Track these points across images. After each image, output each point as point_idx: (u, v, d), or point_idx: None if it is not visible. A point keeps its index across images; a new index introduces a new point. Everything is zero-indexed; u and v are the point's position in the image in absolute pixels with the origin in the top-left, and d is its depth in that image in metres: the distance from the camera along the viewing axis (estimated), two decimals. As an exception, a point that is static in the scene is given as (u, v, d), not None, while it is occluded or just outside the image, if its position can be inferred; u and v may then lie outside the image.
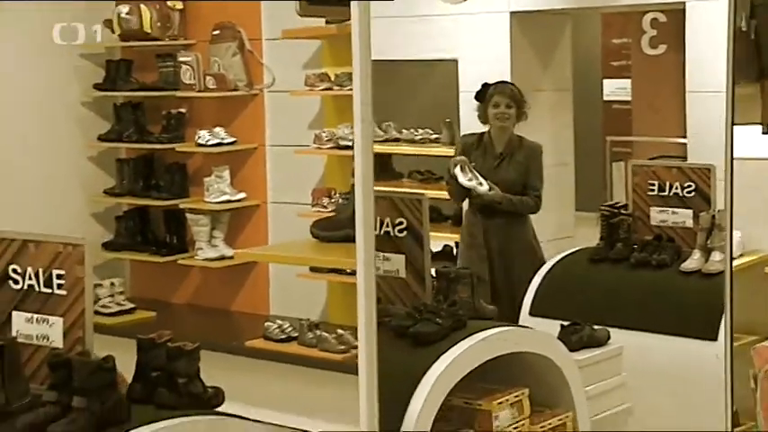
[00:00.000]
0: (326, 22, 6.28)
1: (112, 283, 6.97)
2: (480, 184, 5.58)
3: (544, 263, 5.76)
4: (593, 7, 7.12)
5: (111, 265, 7.51)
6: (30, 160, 7.22)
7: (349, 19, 2.35)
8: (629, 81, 10.46)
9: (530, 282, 5.61)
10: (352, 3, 2.31)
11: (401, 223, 4.35)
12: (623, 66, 10.79)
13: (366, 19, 2.24)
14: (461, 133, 6.52)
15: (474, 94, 5.93)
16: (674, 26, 8.45)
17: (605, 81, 11.27)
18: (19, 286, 3.42)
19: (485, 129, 5.87)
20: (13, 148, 7.14)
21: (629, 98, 10.49)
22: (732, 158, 2.71)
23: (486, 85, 5.84)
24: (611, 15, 10.32)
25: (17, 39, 7.12)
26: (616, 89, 11.09)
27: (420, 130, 6.91)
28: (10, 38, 7.07)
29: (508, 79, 6.29)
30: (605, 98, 11.27)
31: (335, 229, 5.64)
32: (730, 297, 2.39)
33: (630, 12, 9.54)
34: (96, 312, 6.50)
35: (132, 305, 6.99)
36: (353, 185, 2.65)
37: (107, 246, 7.51)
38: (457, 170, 5.59)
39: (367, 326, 2.22)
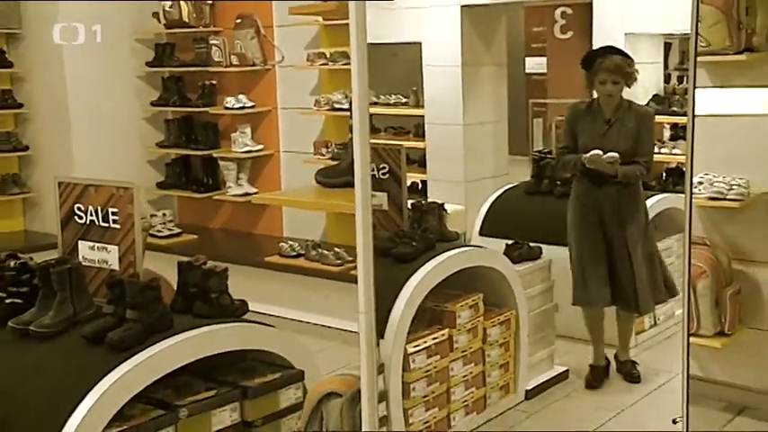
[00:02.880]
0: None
1: (164, 214, 6.83)
2: None
3: (649, 230, 4.54)
4: (520, 2, 6.78)
5: (163, 200, 7.37)
6: (101, 122, 7.00)
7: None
8: (545, 59, 10.48)
9: (638, 249, 4.39)
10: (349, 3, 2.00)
11: (384, 168, 4.18)
12: (541, 47, 10.80)
13: (362, 9, 1.96)
14: (424, 98, 6.28)
15: (581, 62, 4.43)
16: (579, 17, 8.37)
17: (527, 59, 11.30)
18: (83, 221, 3.28)
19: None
20: (90, 112, 6.96)
21: (545, 71, 10.54)
22: (694, 115, 2.39)
23: (592, 54, 4.43)
24: (532, 8, 10.24)
25: (90, 28, 6.74)
26: (535, 65, 11.10)
27: (393, 96, 6.71)
28: (85, 28, 6.70)
29: (458, 58, 6.07)
30: (527, 71, 11.32)
31: (336, 177, 5.47)
32: (689, 229, 2.12)
33: (546, 6, 9.49)
34: (151, 236, 6.40)
35: (179, 230, 6.81)
36: (351, 139, 2.45)
37: (159, 185, 7.36)
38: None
39: (365, 250, 2.00)
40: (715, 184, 4.07)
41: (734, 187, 4.02)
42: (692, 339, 4.07)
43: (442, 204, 4.35)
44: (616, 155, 4.19)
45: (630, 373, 4.57)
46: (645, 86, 6.06)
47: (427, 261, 3.82)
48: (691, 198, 2.08)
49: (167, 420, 2.86)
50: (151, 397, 2.88)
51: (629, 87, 4.42)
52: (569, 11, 9.85)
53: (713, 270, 4.00)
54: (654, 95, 6.00)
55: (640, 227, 4.42)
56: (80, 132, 6.90)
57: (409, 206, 4.21)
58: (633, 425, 4.08)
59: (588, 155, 4.22)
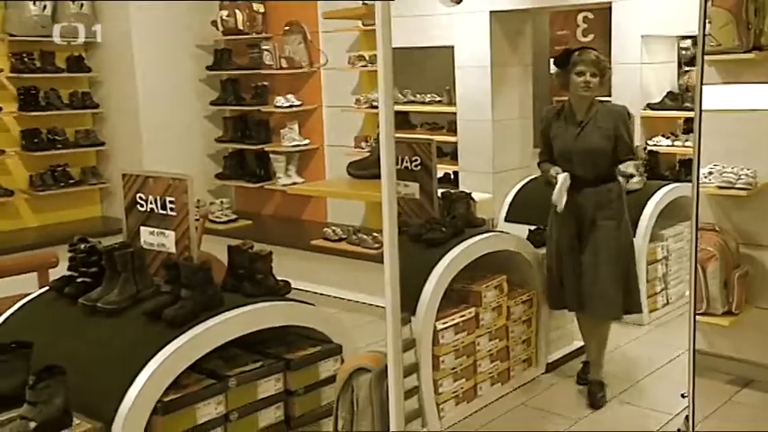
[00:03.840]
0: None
1: (222, 202, 6.83)
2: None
3: (631, 231, 4.00)
4: (544, 7, 6.52)
5: (221, 189, 7.38)
6: (167, 120, 7.01)
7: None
8: (569, 60, 10.30)
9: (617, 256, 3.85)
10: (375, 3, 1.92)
11: (416, 160, 4.10)
12: (564, 49, 10.61)
13: (387, 12, 1.88)
14: (456, 97, 6.19)
15: (555, 60, 3.94)
16: (600, 21, 8.19)
17: (552, 59, 11.10)
18: (144, 209, 3.26)
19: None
20: (157, 112, 6.96)
21: (568, 71, 10.35)
22: (701, 110, 2.28)
23: (568, 52, 3.82)
24: (557, 13, 10.04)
25: (159, 36, 6.94)
26: (559, 66, 10.94)
27: (428, 95, 6.67)
28: (155, 35, 6.89)
29: (487, 59, 5.99)
30: (551, 71, 11.13)
31: (364, 169, 5.42)
32: (696, 215, 2.02)
33: (569, 10, 9.30)
34: (211, 221, 6.43)
35: (235, 216, 6.80)
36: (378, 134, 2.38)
37: (218, 176, 7.36)
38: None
39: (390, 233, 1.94)
40: (724, 174, 3.93)
41: (742, 177, 3.89)
42: (701, 318, 3.98)
43: (470, 193, 4.27)
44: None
45: (595, 396, 3.88)
46: (660, 84, 5.93)
47: (455, 246, 3.76)
48: (698, 187, 1.98)
49: (218, 389, 2.84)
50: (203, 368, 2.87)
51: (604, 87, 3.94)
52: (591, 15, 9.70)
53: (722, 254, 3.88)
54: (668, 92, 5.87)
55: (619, 231, 3.84)
56: (149, 129, 6.92)
57: (440, 195, 4.13)
58: (646, 397, 3.98)
59: (554, 196, 3.70)
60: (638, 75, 5.75)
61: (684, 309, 4.99)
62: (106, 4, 6.88)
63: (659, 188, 5.06)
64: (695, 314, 2.30)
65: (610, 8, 5.87)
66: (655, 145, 5.72)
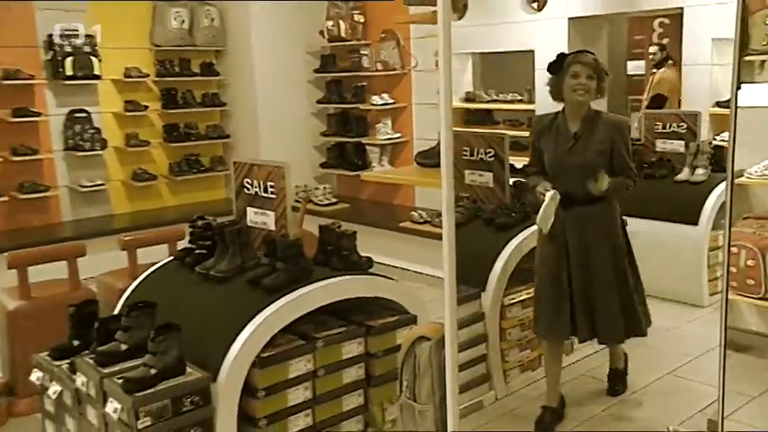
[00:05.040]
0: (405, 2, 5.28)
1: (324, 187, 6.85)
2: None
3: (625, 251, 3.21)
4: (622, 13, 6.33)
5: (324, 176, 7.42)
6: (280, 116, 7.11)
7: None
8: (642, 62, 9.83)
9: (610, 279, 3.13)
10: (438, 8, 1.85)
11: (491, 152, 3.99)
12: (640, 52, 10.13)
13: (448, 8, 1.81)
14: (535, 96, 6.00)
15: (548, 66, 3.13)
16: (674, 26, 7.76)
17: (628, 62, 10.64)
18: (250, 192, 3.28)
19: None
20: (272, 109, 7.08)
21: (642, 72, 9.89)
22: (737, 108, 2.11)
23: (562, 55, 3.07)
24: (634, 19, 9.58)
25: (275, 45, 7.06)
26: (635, 67, 10.43)
27: (510, 94, 6.51)
28: (272, 44, 7.02)
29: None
30: (628, 73, 10.67)
31: (429, 159, 5.35)
32: (730, 204, 1.88)
33: (645, 16, 8.85)
34: (315, 204, 6.50)
35: (336, 200, 6.81)
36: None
37: (322, 165, 7.41)
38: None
39: (448, 215, 1.92)
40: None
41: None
42: (759, 302, 3.72)
43: (540, 183, 4.14)
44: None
45: (613, 387, 3.51)
46: (728, 83, 5.52)
47: (523, 230, 3.64)
48: (732, 179, 1.82)
49: (307, 349, 2.87)
50: (295, 330, 2.90)
51: (600, 95, 3.08)
52: (666, 21, 9.25)
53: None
54: (736, 91, 5.46)
55: (614, 250, 3.12)
56: (265, 124, 7.04)
57: (511, 184, 4.00)
58: (701, 373, 3.76)
59: (538, 217, 3.02)
60: (708, 75, 5.40)
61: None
62: (232, 19, 7.06)
63: (723, 180, 4.75)
64: (727, 301, 2.12)
65: (682, 14, 5.54)
66: (722, 140, 5.37)
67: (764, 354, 3.67)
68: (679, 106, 5.69)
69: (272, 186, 3.11)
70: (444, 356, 1.93)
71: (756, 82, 3.88)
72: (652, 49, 7.22)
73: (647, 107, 6.31)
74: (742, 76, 4.12)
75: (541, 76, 5.96)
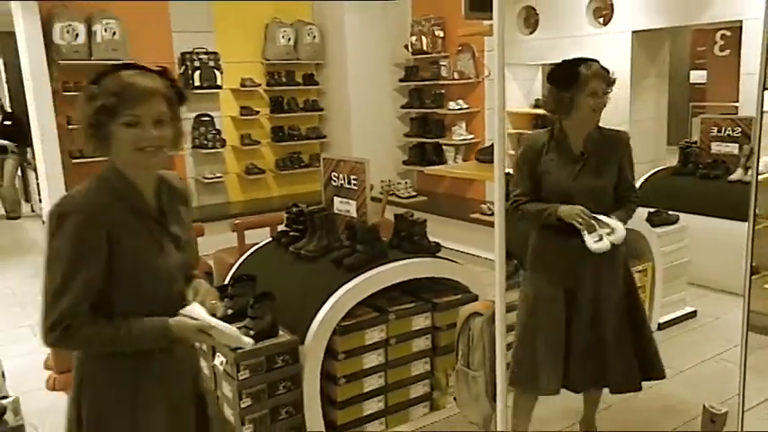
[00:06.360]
0: (465, 17, 5.02)
1: (406, 182, 6.84)
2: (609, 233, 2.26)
3: (635, 285, 2.55)
4: (684, 26, 5.82)
5: (406, 172, 7.37)
6: (370, 120, 7.16)
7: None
8: (705, 72, 9.28)
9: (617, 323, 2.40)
10: (493, 14, 1.82)
11: None
12: (702, 63, 9.56)
13: (502, 23, 1.77)
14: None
15: (555, 78, 2.35)
16: (735, 38, 7.29)
17: (691, 72, 10.05)
18: (336, 184, 3.31)
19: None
20: (363, 113, 7.13)
21: (704, 81, 9.33)
22: (762, 110, 1.97)
23: (571, 64, 2.30)
24: (696, 31, 9.08)
25: (366, 57, 7.10)
26: (698, 77, 9.85)
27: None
28: (363, 57, 7.07)
29: (628, 71, 5.47)
30: (691, 81, 10.08)
31: (487, 155, 5.24)
32: (755, 198, 1.78)
33: (708, 29, 8.35)
34: (398, 197, 6.50)
35: (416, 193, 6.78)
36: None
37: (404, 162, 7.38)
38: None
39: (499, 203, 1.96)
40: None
41: None
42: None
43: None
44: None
45: None
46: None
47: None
48: (756, 178, 1.70)
49: (381, 320, 2.89)
50: (371, 303, 2.92)
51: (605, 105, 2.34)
52: (728, 33, 8.68)
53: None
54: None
55: (625, 285, 2.42)
56: (357, 127, 7.08)
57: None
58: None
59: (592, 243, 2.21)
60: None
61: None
62: (330, 36, 7.14)
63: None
64: (749, 291, 1.98)
65: (741, 26, 5.18)
66: (776, 143, 5.00)
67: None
68: (736, 112, 5.35)
69: (354, 179, 3.13)
70: (494, 331, 1.91)
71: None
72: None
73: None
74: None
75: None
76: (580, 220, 2.21)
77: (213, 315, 1.48)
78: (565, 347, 2.30)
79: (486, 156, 5.38)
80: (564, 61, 2.31)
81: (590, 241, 2.20)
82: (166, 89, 1.47)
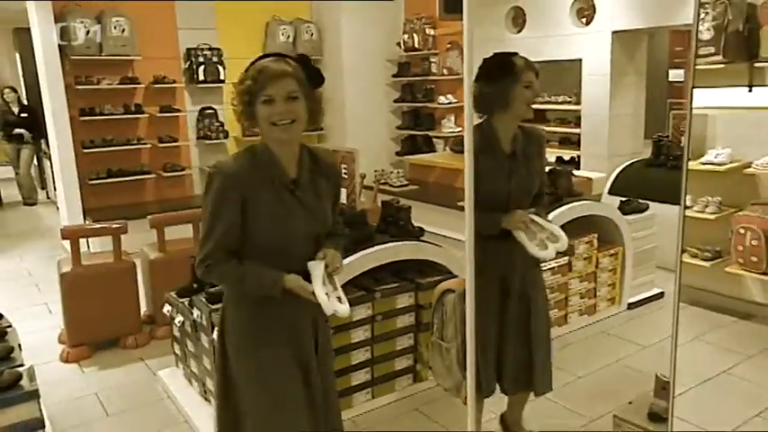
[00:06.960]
0: (439, 18, 5.28)
1: (398, 171, 6.83)
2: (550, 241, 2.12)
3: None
4: (662, 27, 5.82)
5: (398, 163, 7.37)
6: (364, 113, 7.17)
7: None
8: (683, 70, 9.31)
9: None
10: (463, 16, 1.87)
11: None
12: (681, 62, 9.58)
13: (472, 25, 1.83)
14: (582, 97, 5.79)
15: (486, 71, 2.16)
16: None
17: (670, 70, 10.09)
18: None
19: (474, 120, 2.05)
20: (358, 107, 7.14)
21: (682, 79, 9.37)
22: (691, 108, 2.04)
23: (502, 56, 2.13)
24: (674, 32, 9.08)
25: (360, 53, 7.09)
26: (676, 75, 9.88)
27: (560, 96, 6.33)
28: (358, 53, 7.05)
29: (608, 69, 5.52)
30: (670, 79, 10.12)
31: (460, 146, 5.32)
32: (685, 187, 1.84)
33: (686, 29, 8.35)
34: (390, 185, 6.53)
35: (407, 182, 6.78)
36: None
37: (397, 153, 7.39)
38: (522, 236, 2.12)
39: (468, 190, 1.98)
40: None
41: None
42: (762, 277, 3.53)
43: (572, 170, 4.05)
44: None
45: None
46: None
47: (555, 209, 3.56)
48: (686, 170, 1.77)
49: (367, 298, 2.95)
50: (358, 283, 2.97)
51: None
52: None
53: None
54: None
55: (544, 294, 2.34)
56: (351, 120, 7.09)
57: (547, 171, 3.94)
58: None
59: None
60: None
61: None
62: (327, 34, 7.14)
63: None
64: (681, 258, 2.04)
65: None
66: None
67: (766, 321, 3.49)
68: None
69: (344, 168, 3.15)
70: (465, 307, 1.99)
71: (767, 86, 3.63)
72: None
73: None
74: (754, 80, 3.90)
75: (588, 81, 5.85)
76: (524, 228, 2.07)
77: (331, 279, 1.67)
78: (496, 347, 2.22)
79: (459, 147, 5.45)
80: (495, 54, 2.10)
81: (533, 249, 2.04)
82: (297, 71, 1.63)
